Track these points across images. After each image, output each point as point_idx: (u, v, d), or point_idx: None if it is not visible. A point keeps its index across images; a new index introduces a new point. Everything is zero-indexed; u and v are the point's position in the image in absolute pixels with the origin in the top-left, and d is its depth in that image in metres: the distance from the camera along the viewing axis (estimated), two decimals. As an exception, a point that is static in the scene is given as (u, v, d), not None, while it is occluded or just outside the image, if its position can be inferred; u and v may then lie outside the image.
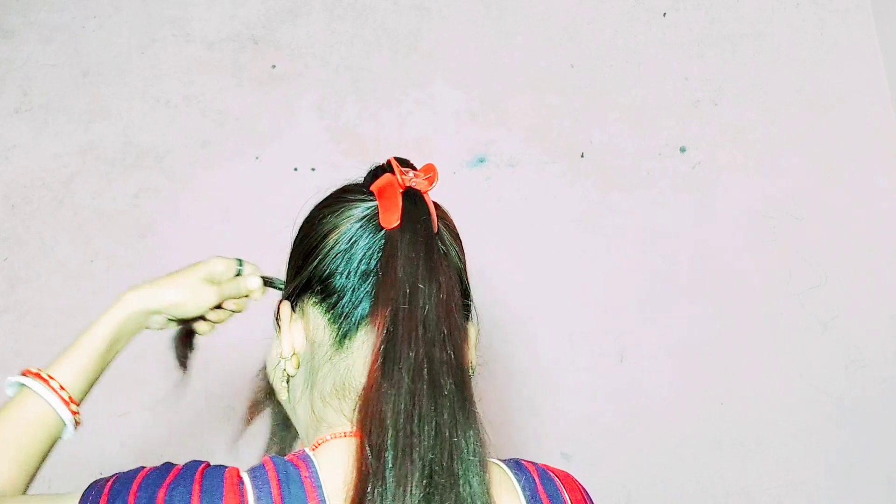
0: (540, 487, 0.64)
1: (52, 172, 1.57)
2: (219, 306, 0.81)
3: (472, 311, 0.71)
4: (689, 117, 1.61)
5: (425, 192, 0.66)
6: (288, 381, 0.69)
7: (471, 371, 0.68)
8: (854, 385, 1.50)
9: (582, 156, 1.59)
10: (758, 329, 1.52)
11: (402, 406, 0.56)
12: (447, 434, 0.56)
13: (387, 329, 0.59)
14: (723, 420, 1.49)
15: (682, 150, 1.59)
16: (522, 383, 1.50)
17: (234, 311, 0.83)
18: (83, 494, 0.58)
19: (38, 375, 0.71)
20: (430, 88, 1.61)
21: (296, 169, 1.57)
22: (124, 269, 1.52)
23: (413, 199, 0.64)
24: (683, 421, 1.49)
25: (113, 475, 0.59)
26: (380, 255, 0.64)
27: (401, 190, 0.65)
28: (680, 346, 1.51)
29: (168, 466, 0.58)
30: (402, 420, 0.56)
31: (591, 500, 0.69)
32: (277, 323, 0.71)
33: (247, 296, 0.82)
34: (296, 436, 0.80)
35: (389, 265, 0.61)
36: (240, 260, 0.82)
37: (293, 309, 0.69)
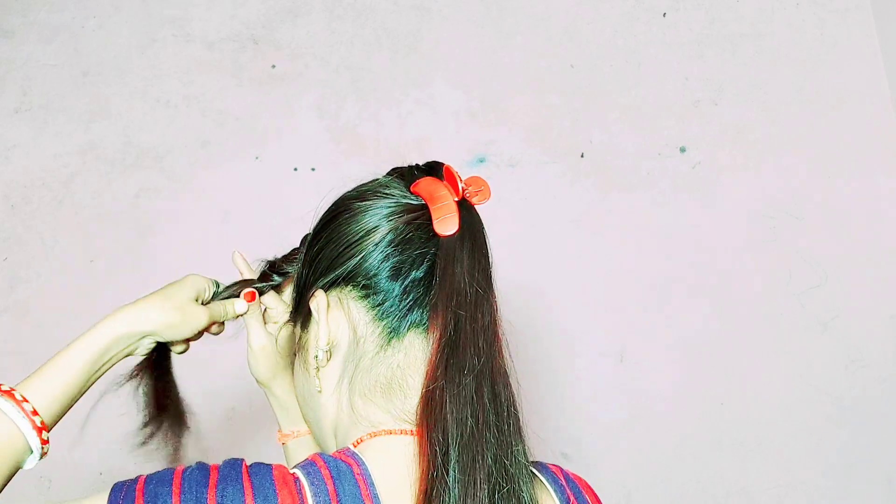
0: (569, 491, 0.66)
1: (52, 172, 1.57)
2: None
3: None
4: (689, 117, 1.61)
5: (475, 204, 0.68)
6: (318, 371, 0.67)
7: None
8: (854, 385, 1.50)
9: (582, 156, 1.59)
10: (758, 329, 1.52)
11: (468, 409, 0.58)
12: (508, 440, 0.59)
13: (448, 334, 0.60)
14: (723, 420, 1.49)
15: (682, 150, 1.59)
16: (522, 383, 1.50)
17: (213, 333, 0.81)
18: (110, 497, 0.55)
19: (10, 395, 0.64)
20: (430, 88, 1.61)
21: (296, 169, 1.57)
22: (124, 269, 1.52)
23: (468, 209, 0.66)
24: (683, 421, 1.49)
25: (139, 477, 0.56)
26: (432, 261, 0.64)
27: (456, 199, 0.65)
28: (680, 346, 1.51)
29: (203, 466, 0.57)
30: (468, 423, 0.58)
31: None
32: (304, 312, 0.68)
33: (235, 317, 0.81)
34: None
35: (448, 272, 0.62)
36: (216, 282, 0.81)
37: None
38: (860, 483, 1.47)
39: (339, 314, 0.66)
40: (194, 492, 0.54)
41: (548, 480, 0.66)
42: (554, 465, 0.70)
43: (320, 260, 0.68)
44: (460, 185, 0.66)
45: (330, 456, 0.59)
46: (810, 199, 1.57)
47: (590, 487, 0.70)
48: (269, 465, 0.57)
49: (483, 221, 0.68)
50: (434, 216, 0.64)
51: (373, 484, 0.57)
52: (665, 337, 1.52)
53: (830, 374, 1.51)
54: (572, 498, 0.66)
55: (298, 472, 0.57)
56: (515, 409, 0.62)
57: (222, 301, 0.80)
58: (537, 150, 1.59)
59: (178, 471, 0.56)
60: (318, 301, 0.66)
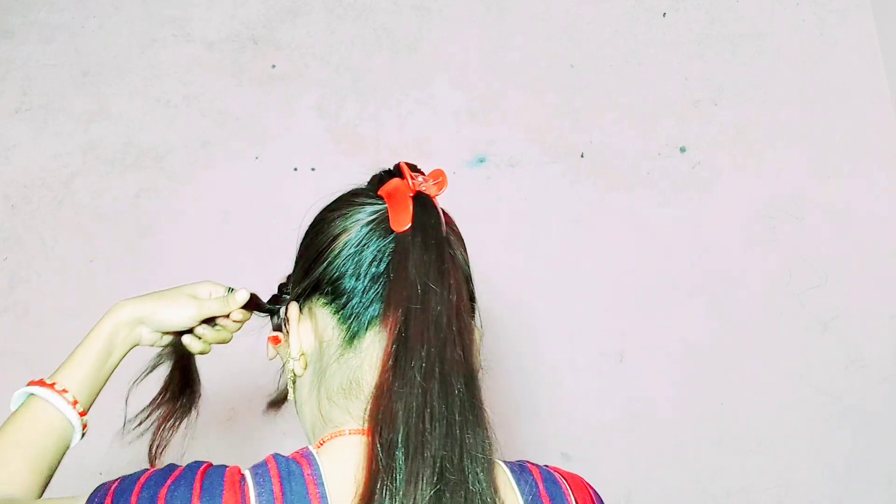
0: (543, 491, 0.64)
1: (52, 172, 1.57)
2: (210, 322, 0.81)
3: (477, 314, 0.71)
4: (689, 117, 1.60)
5: (434, 197, 0.67)
6: (295, 381, 0.70)
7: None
8: (854, 385, 1.50)
9: (582, 156, 1.59)
10: (758, 329, 1.52)
11: (414, 404, 0.57)
12: (458, 433, 0.58)
13: (399, 329, 0.60)
14: (723, 420, 1.49)
15: (682, 150, 1.59)
16: (523, 383, 1.50)
17: (220, 341, 0.84)
18: (89, 497, 0.58)
19: (42, 383, 0.74)
20: (430, 88, 1.61)
21: (296, 169, 1.57)
22: (124, 269, 1.52)
23: (423, 203, 0.66)
24: (683, 421, 1.49)
25: (118, 478, 0.60)
26: (390, 257, 0.65)
27: (411, 194, 0.66)
28: (680, 346, 1.51)
29: (171, 467, 0.59)
30: (413, 418, 0.57)
31: (600, 501, 0.69)
32: (285, 325, 0.71)
33: (239, 321, 0.82)
34: None
35: (401, 267, 0.63)
36: (230, 288, 0.84)
37: (300, 310, 0.70)
38: (860, 483, 1.47)
39: (307, 325, 0.68)
40: (151, 489, 0.57)
41: (514, 477, 0.64)
42: (543, 465, 0.68)
43: (296, 273, 0.72)
44: (410, 181, 0.66)
45: (284, 456, 0.60)
46: (810, 199, 1.57)
47: (585, 487, 0.69)
48: (226, 467, 0.59)
49: (443, 214, 0.67)
50: (390, 213, 0.66)
51: (322, 484, 0.58)
52: (665, 337, 1.52)
53: (830, 374, 1.51)
54: (545, 498, 0.64)
55: (247, 473, 0.58)
56: (473, 402, 0.60)
57: (218, 298, 0.82)
58: (537, 150, 1.59)
59: (149, 471, 0.59)
60: (291, 313, 0.69)
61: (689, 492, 1.47)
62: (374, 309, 0.65)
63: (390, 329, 0.61)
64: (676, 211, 1.57)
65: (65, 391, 0.74)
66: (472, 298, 0.70)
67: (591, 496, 0.68)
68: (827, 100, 1.61)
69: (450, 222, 0.70)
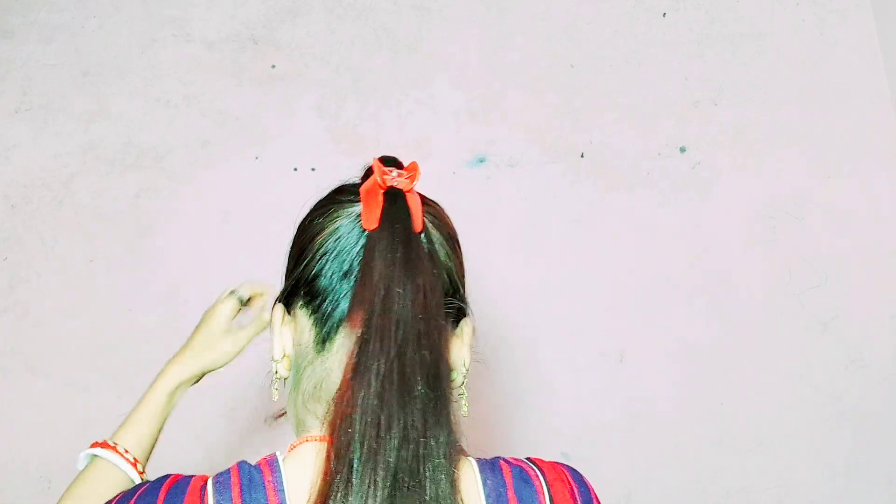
0: (511, 494, 0.62)
1: (52, 172, 1.57)
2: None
3: (468, 309, 0.70)
4: (689, 117, 1.60)
5: (408, 192, 0.65)
6: (284, 384, 0.70)
7: (465, 369, 0.68)
8: (854, 385, 1.50)
9: (582, 156, 1.59)
10: (758, 329, 1.52)
11: (370, 409, 0.56)
12: (415, 436, 0.56)
13: (361, 331, 0.59)
14: (723, 420, 1.49)
15: (682, 150, 1.59)
16: (522, 383, 1.50)
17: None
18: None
19: (105, 445, 0.83)
20: (430, 88, 1.61)
21: (296, 169, 1.57)
22: (124, 269, 1.52)
23: (393, 199, 0.64)
24: (683, 421, 1.49)
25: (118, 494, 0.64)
26: (359, 256, 0.63)
27: (382, 190, 0.64)
28: (680, 346, 1.51)
29: (143, 483, 0.62)
30: (369, 423, 0.56)
31: (584, 493, 0.65)
32: (271, 327, 0.71)
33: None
34: None
35: (367, 267, 0.61)
36: (239, 298, 0.91)
37: (289, 312, 0.69)
38: (860, 483, 1.47)
39: (289, 327, 0.68)
40: (127, 499, 0.61)
41: (482, 478, 0.62)
42: (526, 459, 0.66)
43: (285, 274, 0.71)
44: (382, 177, 0.64)
45: (249, 464, 0.61)
46: (810, 199, 1.57)
47: (566, 479, 0.65)
48: (192, 478, 0.60)
49: (422, 210, 0.65)
50: (362, 212, 0.64)
51: (283, 491, 0.58)
52: (665, 337, 1.52)
53: (830, 374, 1.51)
54: (511, 495, 0.61)
55: (210, 481, 0.59)
56: (438, 405, 0.58)
57: (248, 327, 0.90)
58: (537, 150, 1.59)
59: (125, 491, 0.63)
60: (275, 315, 0.69)
61: (689, 492, 1.47)
62: (343, 310, 0.64)
63: (355, 331, 0.59)
64: (676, 211, 1.57)
65: (126, 451, 0.82)
66: (456, 296, 0.68)
67: (570, 487, 0.65)
68: (827, 100, 1.61)
69: (436, 216, 0.68)
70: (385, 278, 0.60)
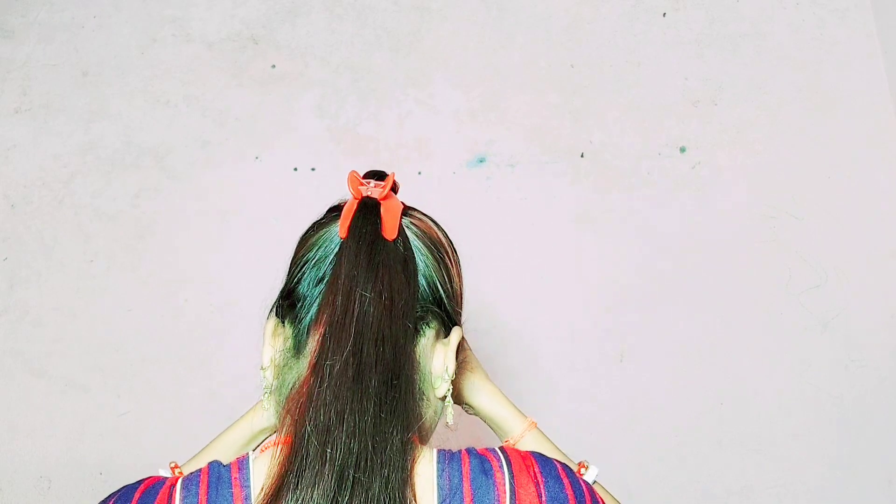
0: (466, 488, 0.59)
1: (52, 172, 1.57)
2: None
3: (458, 319, 0.71)
4: (689, 117, 1.60)
5: (382, 200, 0.67)
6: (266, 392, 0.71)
7: (449, 376, 0.67)
8: (854, 385, 1.50)
9: (582, 156, 1.59)
10: (758, 329, 1.52)
11: (322, 403, 0.58)
12: (367, 430, 0.57)
13: (323, 332, 0.61)
14: (723, 420, 1.49)
15: (682, 150, 1.59)
16: (522, 383, 1.50)
17: None
18: None
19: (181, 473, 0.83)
20: (430, 88, 1.61)
21: (296, 169, 1.57)
22: (124, 269, 1.52)
23: (365, 209, 0.66)
24: (683, 421, 1.49)
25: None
26: (331, 264, 0.66)
27: (357, 200, 0.67)
28: (680, 346, 1.51)
29: (139, 481, 0.63)
30: (321, 419, 0.57)
31: (552, 487, 0.60)
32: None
33: None
34: None
35: (334, 273, 0.64)
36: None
37: (282, 323, 0.70)
38: (860, 483, 1.47)
39: (279, 338, 0.69)
40: (104, 502, 0.61)
41: (438, 473, 0.60)
42: (493, 449, 0.63)
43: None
44: (356, 188, 0.68)
45: (220, 463, 0.62)
46: (810, 199, 1.57)
47: (528, 468, 0.61)
48: (166, 479, 0.62)
49: (425, 219, 0.68)
50: (339, 223, 0.67)
51: (249, 486, 0.60)
52: (665, 337, 1.52)
53: (830, 374, 1.51)
54: (467, 494, 0.59)
55: (180, 481, 0.61)
56: (394, 403, 0.59)
57: None
58: (537, 150, 1.59)
59: (124, 486, 0.63)
60: (266, 326, 0.70)
61: (689, 492, 1.47)
62: (313, 314, 0.65)
63: (319, 331, 0.62)
64: (676, 211, 1.57)
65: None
66: (440, 305, 0.68)
67: (536, 480, 0.60)
68: (827, 100, 1.61)
69: (417, 225, 0.70)
70: (346, 284, 0.62)
